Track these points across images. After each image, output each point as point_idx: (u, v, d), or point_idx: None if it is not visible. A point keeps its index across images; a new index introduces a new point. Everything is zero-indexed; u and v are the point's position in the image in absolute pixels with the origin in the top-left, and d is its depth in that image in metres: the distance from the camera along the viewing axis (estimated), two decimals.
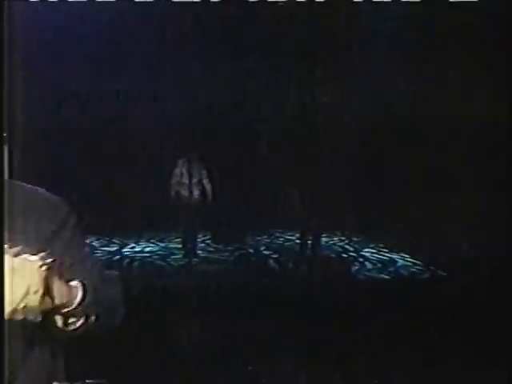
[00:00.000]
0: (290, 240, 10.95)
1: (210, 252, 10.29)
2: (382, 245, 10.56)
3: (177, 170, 9.61)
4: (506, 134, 8.55)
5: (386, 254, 10.07)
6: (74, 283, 1.66)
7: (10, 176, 6.54)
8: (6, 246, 1.55)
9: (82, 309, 1.66)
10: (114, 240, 10.81)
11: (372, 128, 10.79)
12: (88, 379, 1.93)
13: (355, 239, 11.10)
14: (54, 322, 1.65)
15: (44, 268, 1.55)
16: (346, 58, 10.63)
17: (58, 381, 1.82)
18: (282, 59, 10.53)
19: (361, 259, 9.87)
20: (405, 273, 9.22)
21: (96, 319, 1.70)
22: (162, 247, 10.60)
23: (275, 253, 10.20)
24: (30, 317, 1.55)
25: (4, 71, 3.78)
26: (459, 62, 9.26)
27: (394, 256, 9.94)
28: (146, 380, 6.23)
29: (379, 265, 9.53)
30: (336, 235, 11.18)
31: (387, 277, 9.05)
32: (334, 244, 10.84)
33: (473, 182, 9.10)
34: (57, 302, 1.59)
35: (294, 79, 11.18)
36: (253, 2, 9.31)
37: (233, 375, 6.34)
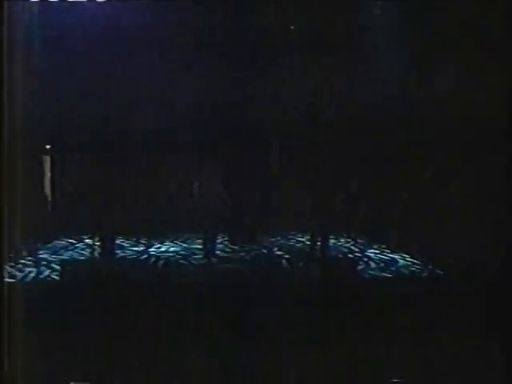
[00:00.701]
0: (300, 241, 11.37)
1: (227, 252, 10.83)
2: (384, 246, 11.05)
3: (198, 176, 10.49)
4: (507, 133, 8.73)
5: (388, 255, 10.58)
6: None
7: (52, 184, 7.71)
8: None
9: None
10: (141, 240, 11.37)
11: (372, 130, 11.03)
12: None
13: (360, 241, 11.48)
14: None
15: None
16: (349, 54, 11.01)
17: None
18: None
19: (365, 259, 10.36)
20: (405, 271, 9.75)
21: None
22: (185, 247, 11.13)
23: (287, 253, 10.66)
24: None
25: (4, 71, 4.23)
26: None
27: (396, 256, 10.46)
28: (161, 372, 6.92)
29: (382, 264, 10.10)
30: (342, 237, 11.53)
31: (389, 275, 9.60)
32: (340, 245, 11.22)
33: (472, 182, 9.43)
34: None
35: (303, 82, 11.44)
36: None
37: (244, 368, 7.04)
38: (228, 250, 11.01)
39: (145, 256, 10.65)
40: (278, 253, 10.79)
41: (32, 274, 9.43)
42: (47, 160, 10.57)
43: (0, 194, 6.17)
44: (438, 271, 9.62)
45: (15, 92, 8.21)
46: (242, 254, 10.77)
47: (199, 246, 10.84)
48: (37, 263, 9.94)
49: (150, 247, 11.19)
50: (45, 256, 10.49)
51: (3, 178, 6.21)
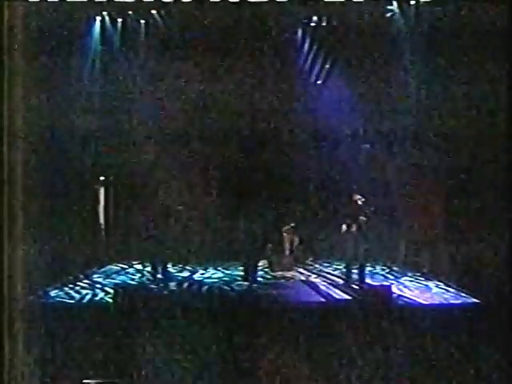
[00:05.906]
0: (337, 269, 11.86)
1: (267, 279, 11.34)
2: (418, 274, 11.47)
3: None
4: None
5: (422, 282, 10.90)
6: None
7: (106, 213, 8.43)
8: None
9: None
10: (186, 267, 12.05)
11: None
12: None
13: (395, 269, 12.05)
14: None
15: None
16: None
17: None
18: None
19: (400, 286, 10.51)
20: (439, 298, 9.77)
21: None
22: (227, 274, 11.71)
23: (323, 280, 10.96)
24: None
25: (4, 72, 4.47)
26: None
27: (429, 283, 10.74)
28: None
29: (416, 291, 10.19)
30: (378, 265, 12.20)
31: (425, 302, 9.59)
32: (376, 273, 11.72)
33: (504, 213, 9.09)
34: None
35: None
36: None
37: None
38: (268, 276, 11.51)
39: (189, 281, 11.05)
40: (316, 280, 11.05)
41: (88, 296, 9.92)
42: (101, 191, 11.24)
43: None
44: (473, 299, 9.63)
45: None
46: (281, 280, 11.20)
47: (241, 273, 11.26)
48: (92, 286, 10.51)
49: (195, 273, 11.76)
50: (99, 279, 11.12)
51: None
